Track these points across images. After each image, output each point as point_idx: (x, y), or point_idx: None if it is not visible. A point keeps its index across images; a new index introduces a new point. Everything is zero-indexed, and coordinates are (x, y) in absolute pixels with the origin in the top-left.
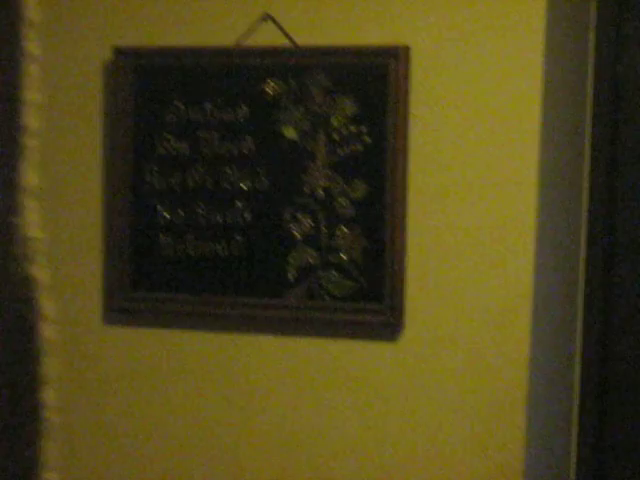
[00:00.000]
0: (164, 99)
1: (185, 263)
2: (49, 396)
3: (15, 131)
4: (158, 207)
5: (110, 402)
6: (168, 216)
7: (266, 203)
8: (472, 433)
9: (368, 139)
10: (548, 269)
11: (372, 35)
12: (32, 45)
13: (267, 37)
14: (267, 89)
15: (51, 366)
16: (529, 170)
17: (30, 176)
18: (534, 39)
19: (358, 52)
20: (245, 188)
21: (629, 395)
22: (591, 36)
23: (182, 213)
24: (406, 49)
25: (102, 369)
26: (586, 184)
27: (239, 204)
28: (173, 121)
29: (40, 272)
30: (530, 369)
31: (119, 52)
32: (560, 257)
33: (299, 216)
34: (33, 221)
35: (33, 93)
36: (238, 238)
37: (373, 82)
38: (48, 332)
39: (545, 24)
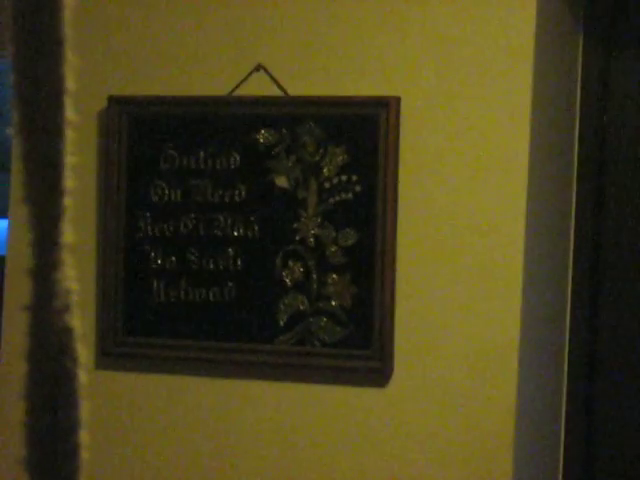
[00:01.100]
0: (158, 147)
1: (177, 309)
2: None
3: (57, 194)
4: (151, 253)
5: (100, 445)
6: (161, 262)
7: (258, 250)
8: (461, 476)
9: (359, 188)
10: (535, 315)
11: (363, 85)
12: (70, 110)
13: (259, 87)
14: (259, 138)
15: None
16: (517, 219)
17: (67, 233)
18: (522, 90)
19: (349, 102)
20: (237, 235)
21: (615, 442)
22: (578, 84)
23: (175, 259)
24: (397, 100)
25: (94, 412)
26: (572, 231)
27: (231, 251)
28: (166, 169)
29: (77, 322)
30: (517, 415)
31: (114, 101)
32: (546, 304)
33: (290, 263)
34: (70, 274)
35: (71, 156)
36: (230, 284)
37: (364, 132)
38: (83, 378)
39: (532, 75)
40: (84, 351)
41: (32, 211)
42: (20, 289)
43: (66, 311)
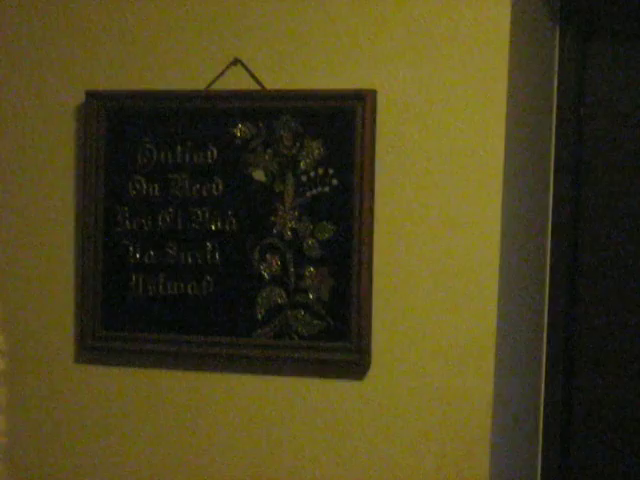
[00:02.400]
0: (135, 142)
1: (156, 302)
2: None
3: None
4: (129, 248)
5: (81, 438)
6: (139, 256)
7: (235, 244)
8: (437, 471)
9: (335, 181)
10: (512, 309)
11: (340, 79)
12: None
13: (236, 81)
14: (236, 132)
15: (2, 395)
16: (493, 211)
17: None
18: (498, 83)
19: (326, 96)
20: (215, 229)
21: (593, 436)
22: (554, 78)
23: (153, 253)
24: (373, 93)
25: (73, 406)
26: (549, 224)
27: (209, 245)
28: (144, 163)
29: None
30: (494, 408)
31: (91, 96)
32: (524, 298)
33: (268, 256)
34: None
35: None
36: (208, 278)
37: (340, 125)
38: (1, 364)
39: (508, 68)
40: (3, 339)
41: None
42: None
43: None
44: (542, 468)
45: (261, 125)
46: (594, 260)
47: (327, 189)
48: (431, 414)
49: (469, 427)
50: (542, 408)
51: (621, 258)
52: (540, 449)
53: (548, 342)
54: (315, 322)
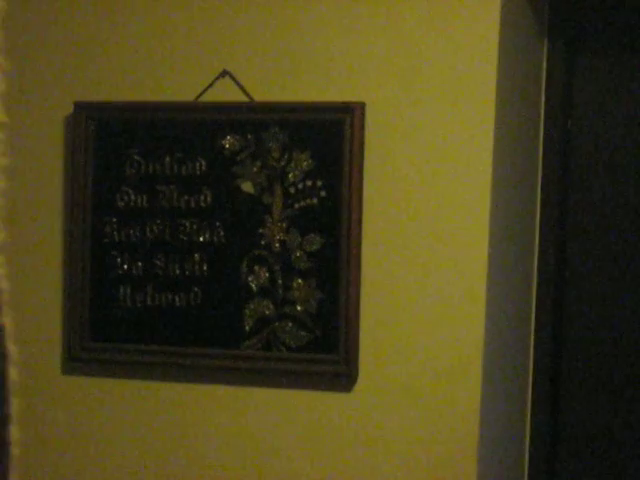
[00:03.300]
0: (124, 153)
1: (143, 314)
2: (13, 434)
3: None
4: (117, 259)
5: (69, 450)
6: (127, 267)
7: (223, 255)
8: None
9: (324, 193)
10: (499, 319)
11: (328, 91)
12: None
13: (225, 93)
14: (225, 144)
15: (16, 406)
16: (481, 225)
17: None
18: (486, 95)
19: (314, 108)
20: (203, 240)
21: (580, 443)
22: (542, 88)
23: (141, 265)
24: (361, 105)
25: (60, 418)
26: (537, 233)
27: (197, 256)
28: (132, 174)
29: (7, 320)
30: (481, 419)
31: (80, 107)
32: (511, 307)
33: (256, 268)
34: (1, 274)
35: (2, 157)
36: (196, 289)
37: (329, 137)
38: (13, 374)
39: (496, 80)
40: (14, 348)
41: None
42: None
43: None
44: (529, 475)
45: (250, 137)
46: (581, 270)
47: (315, 201)
48: (418, 426)
49: (456, 438)
50: (529, 420)
51: (608, 266)
52: (527, 457)
53: (535, 354)
54: (303, 334)
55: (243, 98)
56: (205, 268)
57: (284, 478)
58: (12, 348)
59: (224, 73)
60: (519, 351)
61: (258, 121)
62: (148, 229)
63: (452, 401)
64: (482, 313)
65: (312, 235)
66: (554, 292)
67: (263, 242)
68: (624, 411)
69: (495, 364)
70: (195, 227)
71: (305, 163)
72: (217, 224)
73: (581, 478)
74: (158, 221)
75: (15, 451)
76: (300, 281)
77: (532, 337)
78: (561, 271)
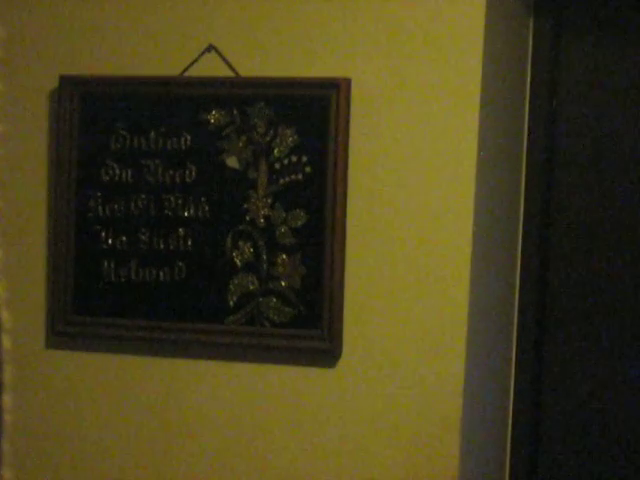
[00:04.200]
0: (109, 127)
1: (127, 288)
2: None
3: None
4: (102, 233)
5: (52, 424)
6: (111, 242)
7: (208, 230)
8: (408, 457)
9: (309, 169)
10: (483, 296)
11: (315, 67)
12: None
13: (211, 68)
14: (210, 119)
15: (8, 373)
16: (466, 200)
17: None
18: (472, 72)
19: (300, 84)
20: (187, 215)
21: (563, 420)
22: (528, 67)
23: (125, 239)
24: (347, 81)
25: (44, 392)
26: (521, 212)
27: (181, 231)
28: (117, 149)
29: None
30: (464, 395)
31: (65, 81)
32: (494, 285)
33: (240, 244)
34: None
35: None
36: (180, 264)
37: (315, 113)
38: (6, 342)
39: (482, 57)
40: (8, 316)
41: None
42: None
43: None
44: (512, 451)
45: (235, 112)
46: (564, 246)
47: (300, 177)
48: (402, 400)
49: (440, 412)
50: (512, 392)
51: (593, 244)
52: (510, 433)
53: (518, 327)
54: (287, 310)
55: (229, 73)
56: (189, 243)
57: (267, 453)
58: (4, 315)
59: (210, 48)
60: (502, 326)
61: (243, 96)
62: (133, 204)
63: (436, 376)
64: (466, 289)
65: (297, 211)
66: (538, 268)
67: (248, 217)
68: (608, 376)
69: (479, 339)
70: (180, 202)
71: (290, 139)
72: (202, 199)
73: (565, 438)
74: (143, 196)
75: (7, 418)
76: (284, 257)
77: (515, 311)
78: (545, 249)
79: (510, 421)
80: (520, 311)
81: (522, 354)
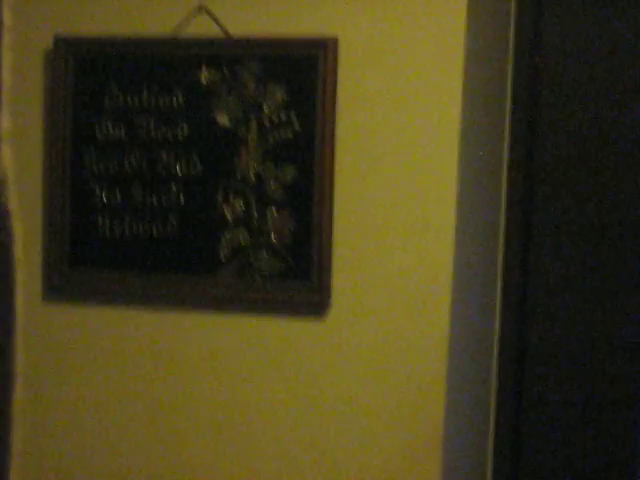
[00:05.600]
0: (103, 86)
1: (121, 243)
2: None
3: None
4: (96, 190)
5: (47, 376)
6: (106, 198)
7: (199, 186)
8: (394, 408)
9: (298, 126)
10: (468, 248)
11: (303, 26)
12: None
13: (202, 28)
14: (202, 78)
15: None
16: (449, 157)
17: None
18: (456, 29)
19: (288, 43)
20: (179, 172)
21: (545, 371)
22: (511, 28)
23: (119, 195)
24: (334, 41)
25: (41, 344)
26: (505, 172)
27: (174, 187)
28: (111, 108)
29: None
30: (450, 344)
31: (59, 41)
32: (479, 236)
33: (231, 199)
34: (6, 158)
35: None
36: (172, 219)
37: (303, 72)
38: (19, 253)
39: (466, 17)
40: (19, 230)
41: None
42: None
43: (2, 189)
44: (497, 404)
45: (225, 71)
46: (548, 210)
47: (289, 134)
48: (388, 351)
49: (426, 362)
50: (496, 345)
51: (577, 210)
52: (494, 386)
53: (502, 282)
54: (277, 262)
55: (219, 33)
56: (182, 199)
57: (259, 403)
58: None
59: (200, 8)
60: (486, 278)
61: (234, 55)
62: (126, 161)
63: (421, 326)
64: (452, 241)
65: (286, 166)
66: (522, 225)
67: (238, 173)
68: (591, 327)
69: (463, 291)
70: (172, 159)
71: (280, 97)
72: (193, 156)
73: (548, 400)
74: (136, 153)
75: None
76: (274, 212)
77: (500, 262)
78: (529, 203)
79: (495, 369)
80: (505, 266)
81: (506, 305)
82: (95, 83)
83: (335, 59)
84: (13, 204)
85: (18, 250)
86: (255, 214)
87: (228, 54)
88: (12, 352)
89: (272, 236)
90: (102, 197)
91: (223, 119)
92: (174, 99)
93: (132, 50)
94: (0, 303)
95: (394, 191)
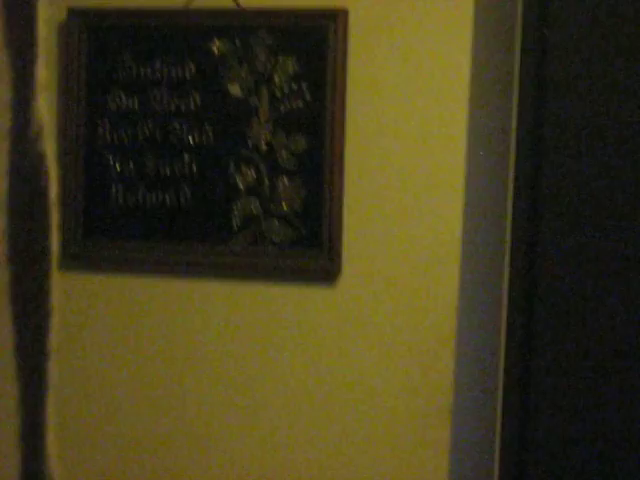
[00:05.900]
0: (116, 57)
1: (135, 212)
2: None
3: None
4: (110, 159)
5: (62, 345)
6: (119, 168)
7: (212, 156)
8: (404, 372)
9: (308, 96)
10: (477, 214)
11: None
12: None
13: None
14: (213, 48)
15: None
16: (459, 126)
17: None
18: (466, 1)
19: (299, 14)
20: (192, 142)
21: (552, 344)
22: (519, 10)
23: (132, 165)
24: (344, 12)
25: (57, 312)
26: (514, 140)
27: (186, 157)
28: (124, 78)
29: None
30: (458, 312)
31: (73, 13)
32: (488, 202)
33: (243, 168)
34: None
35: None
36: (185, 189)
37: (314, 43)
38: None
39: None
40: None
41: (10, 53)
42: None
43: (39, 139)
44: (505, 364)
45: (237, 41)
46: (557, 178)
47: (301, 104)
48: (399, 317)
49: (435, 328)
50: (505, 310)
51: (583, 178)
52: (503, 348)
53: (511, 249)
54: (288, 231)
55: (231, 4)
56: (194, 168)
57: (270, 370)
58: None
59: None
60: (495, 245)
61: (245, 26)
62: (139, 131)
63: (431, 295)
64: (460, 207)
65: (297, 136)
66: (530, 190)
67: (250, 143)
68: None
69: (472, 256)
70: (184, 129)
71: (291, 67)
72: (206, 126)
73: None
74: (149, 123)
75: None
76: (286, 180)
77: (508, 231)
78: (536, 179)
79: (503, 333)
80: (513, 227)
81: (514, 270)
82: (108, 54)
83: (345, 30)
84: (50, 152)
85: (53, 194)
86: (267, 183)
87: (239, 25)
88: (48, 293)
89: (283, 204)
90: (116, 167)
91: (235, 89)
92: (186, 69)
93: (145, 21)
94: (35, 244)
95: (404, 159)
